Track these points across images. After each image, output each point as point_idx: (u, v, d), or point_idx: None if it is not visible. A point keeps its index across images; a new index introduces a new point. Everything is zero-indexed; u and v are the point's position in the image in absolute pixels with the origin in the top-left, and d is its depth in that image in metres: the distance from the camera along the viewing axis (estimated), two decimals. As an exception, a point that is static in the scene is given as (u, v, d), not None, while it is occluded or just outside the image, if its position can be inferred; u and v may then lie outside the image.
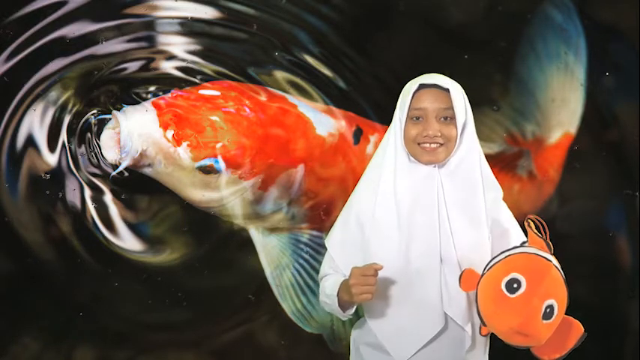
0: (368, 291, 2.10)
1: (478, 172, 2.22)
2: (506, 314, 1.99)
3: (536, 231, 2.08)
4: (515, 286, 1.99)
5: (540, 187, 2.94)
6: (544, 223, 2.10)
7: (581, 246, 2.93)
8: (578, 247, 2.92)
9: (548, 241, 2.08)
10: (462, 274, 2.11)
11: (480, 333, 2.10)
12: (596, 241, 2.97)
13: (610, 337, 2.93)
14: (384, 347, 2.22)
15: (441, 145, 2.18)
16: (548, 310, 1.99)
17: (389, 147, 2.24)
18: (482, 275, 2.07)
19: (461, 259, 2.18)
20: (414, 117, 2.20)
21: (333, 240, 2.30)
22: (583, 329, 2.08)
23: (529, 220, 2.10)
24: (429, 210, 2.19)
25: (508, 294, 1.99)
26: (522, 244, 2.10)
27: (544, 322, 1.99)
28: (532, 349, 2.07)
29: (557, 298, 2.00)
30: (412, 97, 2.20)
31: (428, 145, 2.18)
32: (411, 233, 2.19)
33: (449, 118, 2.19)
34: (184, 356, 2.72)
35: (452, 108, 2.18)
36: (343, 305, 2.20)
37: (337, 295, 2.20)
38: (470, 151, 2.22)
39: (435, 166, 2.20)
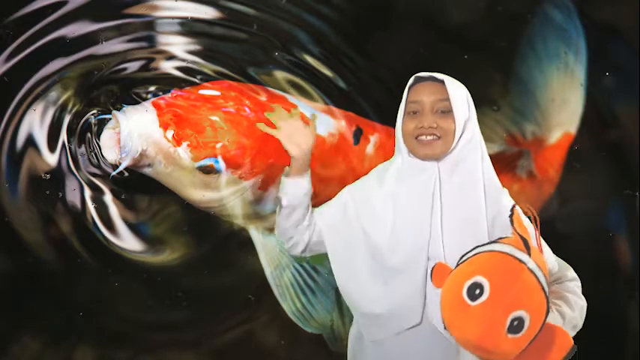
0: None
1: (479, 171, 2.20)
2: (464, 324, 1.70)
3: (523, 222, 1.78)
4: (477, 292, 1.70)
5: (540, 187, 2.94)
6: (535, 215, 1.84)
7: (581, 246, 2.93)
8: (578, 247, 2.92)
9: (537, 235, 1.79)
10: (433, 267, 1.87)
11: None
12: (596, 242, 2.97)
13: (610, 337, 2.93)
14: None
15: (438, 138, 2.16)
16: (515, 322, 1.68)
17: (396, 146, 2.25)
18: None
19: (448, 259, 2.13)
20: (411, 111, 2.19)
21: (322, 206, 2.35)
22: (572, 341, 1.78)
23: (515, 209, 1.82)
24: (422, 206, 2.18)
25: (469, 301, 1.71)
26: (498, 240, 1.81)
27: (509, 336, 1.69)
28: None
29: (530, 308, 1.69)
30: (409, 92, 2.20)
31: (424, 137, 2.16)
32: (404, 228, 2.19)
33: (446, 111, 2.17)
34: (184, 356, 2.72)
35: (448, 100, 2.16)
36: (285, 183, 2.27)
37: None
38: (471, 148, 2.19)
39: (434, 163, 2.19)
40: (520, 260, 1.72)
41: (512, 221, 1.80)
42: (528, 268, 1.71)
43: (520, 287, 1.69)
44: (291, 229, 2.32)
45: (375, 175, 2.30)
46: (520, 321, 1.68)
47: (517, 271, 1.70)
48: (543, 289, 1.70)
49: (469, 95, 2.21)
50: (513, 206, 1.85)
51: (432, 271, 1.85)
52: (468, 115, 2.19)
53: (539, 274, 1.71)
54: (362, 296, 2.23)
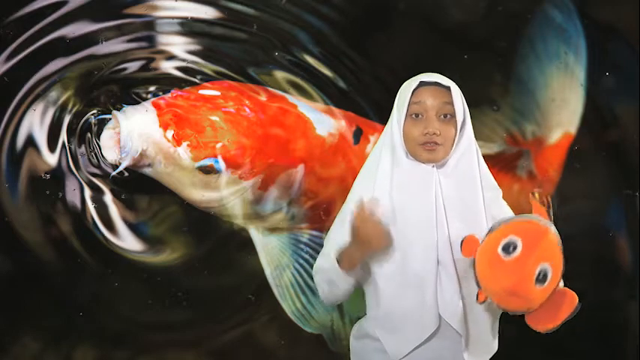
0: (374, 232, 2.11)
1: (477, 172, 2.20)
2: (500, 275, 2.01)
3: (539, 202, 2.11)
4: (511, 249, 2.01)
5: (540, 187, 2.93)
6: (548, 198, 2.13)
7: (581, 246, 2.93)
8: (578, 247, 2.92)
9: (550, 212, 2.10)
10: (463, 239, 2.10)
11: (477, 300, 2.09)
12: (596, 241, 2.97)
13: (610, 337, 2.93)
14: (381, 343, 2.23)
15: (439, 144, 2.15)
16: (541, 275, 2.00)
17: (385, 146, 2.21)
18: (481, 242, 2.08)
19: (458, 262, 2.16)
20: (414, 114, 2.16)
21: (332, 239, 2.28)
22: (577, 299, 2.08)
23: (534, 193, 2.13)
24: (426, 211, 2.16)
25: (504, 256, 2.01)
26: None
27: (537, 286, 2.00)
28: (527, 319, 2.07)
29: (552, 262, 2.01)
30: (412, 94, 2.17)
31: (428, 143, 2.15)
32: (409, 234, 2.16)
33: (449, 115, 2.16)
34: (184, 356, 2.72)
35: (452, 104, 2.15)
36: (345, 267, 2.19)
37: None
38: (468, 151, 2.19)
39: (433, 166, 2.17)
40: (545, 224, 2.05)
41: (533, 199, 2.13)
42: (551, 230, 2.04)
43: (546, 244, 2.02)
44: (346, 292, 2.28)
45: (361, 189, 2.24)
46: (544, 274, 2.00)
47: (544, 231, 2.03)
48: (562, 250, 2.04)
49: (463, 97, 2.20)
50: (532, 192, 2.17)
51: (461, 243, 2.10)
52: (464, 117, 2.18)
53: (559, 238, 2.05)
54: (384, 315, 2.21)
